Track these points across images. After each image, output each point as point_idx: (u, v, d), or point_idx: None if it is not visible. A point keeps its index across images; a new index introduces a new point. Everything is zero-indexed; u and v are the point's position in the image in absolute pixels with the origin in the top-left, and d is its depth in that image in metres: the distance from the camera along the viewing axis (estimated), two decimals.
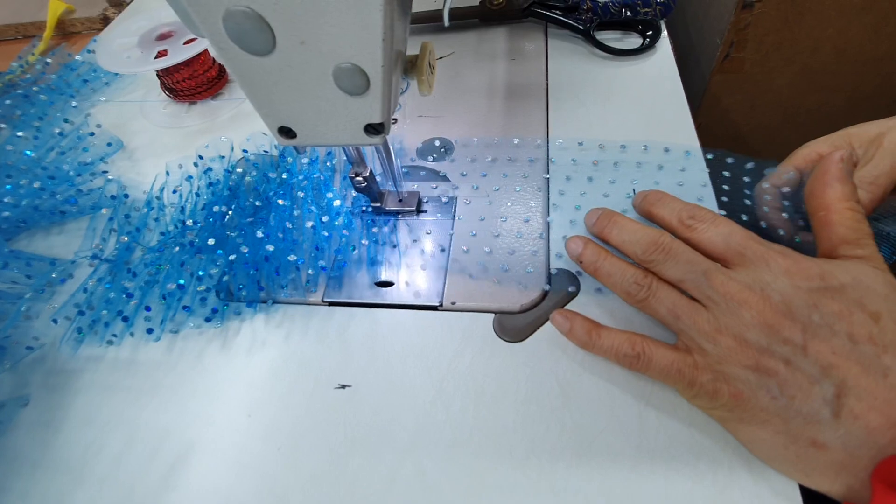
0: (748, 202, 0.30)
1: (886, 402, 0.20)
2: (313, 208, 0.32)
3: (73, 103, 0.43)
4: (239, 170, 0.36)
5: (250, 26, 0.20)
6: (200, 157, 0.37)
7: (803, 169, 0.31)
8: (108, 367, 0.29)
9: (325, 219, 0.31)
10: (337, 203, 0.32)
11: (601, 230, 0.28)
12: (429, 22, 0.48)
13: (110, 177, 0.38)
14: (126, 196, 0.37)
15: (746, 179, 0.30)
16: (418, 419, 0.26)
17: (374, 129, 0.25)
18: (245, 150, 0.37)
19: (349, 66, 0.22)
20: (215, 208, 0.34)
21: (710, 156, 0.32)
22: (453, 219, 0.33)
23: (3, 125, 0.40)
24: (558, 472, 0.23)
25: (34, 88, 0.44)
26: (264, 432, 0.26)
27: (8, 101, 0.41)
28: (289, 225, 0.31)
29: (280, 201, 0.32)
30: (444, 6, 0.23)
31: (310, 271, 0.31)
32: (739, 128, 0.55)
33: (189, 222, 0.33)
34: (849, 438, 0.20)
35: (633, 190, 0.33)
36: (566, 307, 0.28)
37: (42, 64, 0.47)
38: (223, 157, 0.37)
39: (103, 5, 0.58)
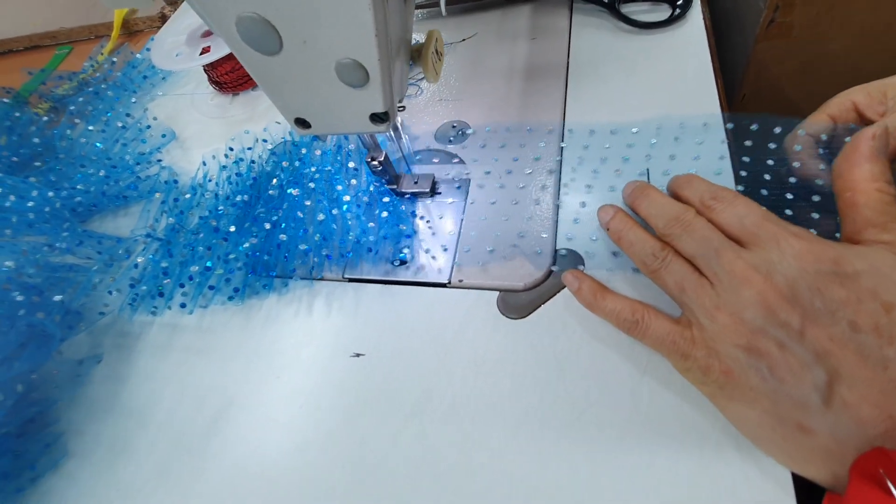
0: (770, 168, 0.29)
1: (883, 394, 0.19)
2: (324, 202, 0.34)
3: (133, 99, 0.48)
4: (262, 157, 0.39)
5: (259, 29, 0.22)
6: (231, 149, 0.41)
7: (838, 118, 0.29)
8: (164, 332, 0.34)
9: (334, 211, 0.34)
10: (347, 199, 0.34)
11: (633, 200, 0.29)
12: (452, 4, 0.48)
13: (164, 165, 0.42)
14: (176, 182, 0.41)
15: (772, 146, 0.29)
16: (423, 386, 0.28)
17: (379, 118, 0.27)
18: (265, 141, 0.40)
19: (349, 62, 0.23)
20: (238, 197, 0.37)
21: (730, 125, 0.31)
22: (465, 200, 0.35)
23: (78, 120, 0.46)
24: (547, 439, 0.25)
25: (102, 86, 0.49)
26: (290, 392, 0.30)
27: (81, 99, 0.47)
28: (300, 214, 0.34)
29: (294, 191, 0.35)
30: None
31: (314, 259, 0.33)
32: (790, 98, 0.52)
33: (221, 208, 0.37)
34: (838, 426, 0.20)
35: (647, 170, 0.32)
36: None
37: (109, 63, 0.53)
38: (250, 148, 0.41)
39: (161, 4, 0.63)
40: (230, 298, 0.34)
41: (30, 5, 0.75)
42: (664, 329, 0.24)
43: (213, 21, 0.23)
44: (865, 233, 0.22)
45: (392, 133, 0.31)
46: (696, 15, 0.41)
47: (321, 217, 0.35)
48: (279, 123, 0.43)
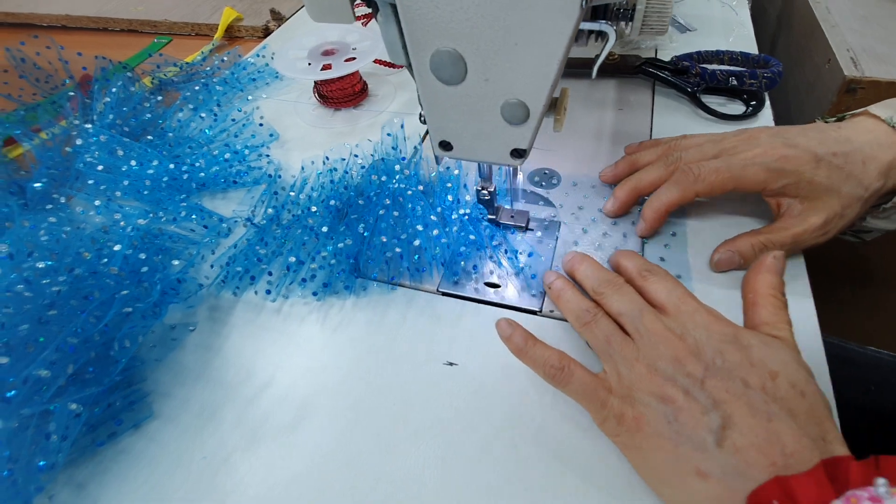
0: None
1: (767, 442, 0.22)
2: (418, 216, 0.37)
3: (250, 97, 0.51)
4: (352, 170, 0.42)
5: (450, 62, 0.26)
6: (327, 158, 0.44)
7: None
8: (254, 312, 0.36)
9: (428, 229, 0.37)
10: (434, 218, 0.37)
11: (571, 266, 0.33)
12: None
13: (271, 159, 0.45)
14: (280, 176, 0.44)
15: None
16: (513, 402, 0.30)
17: (518, 153, 0.30)
18: (356, 156, 0.44)
19: (516, 101, 0.27)
20: (332, 202, 0.40)
21: None
22: (556, 240, 0.38)
23: (192, 105, 0.49)
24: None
25: (214, 79, 0.53)
26: (381, 389, 0.31)
27: (196, 87, 0.50)
28: (392, 222, 0.37)
29: (387, 200, 0.38)
30: (595, 64, 0.28)
31: (407, 269, 0.36)
32: None
33: (313, 209, 0.40)
34: (728, 469, 0.22)
35: None
36: None
37: (219, 60, 0.57)
38: (344, 159, 0.44)
39: (267, 18, 0.69)
40: (314, 294, 0.36)
41: None
42: (586, 379, 0.27)
43: (412, 49, 0.26)
44: (761, 328, 0.26)
45: (513, 169, 0.34)
46: (766, 114, 0.46)
47: (420, 227, 0.37)
48: (370, 140, 0.47)
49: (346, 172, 0.44)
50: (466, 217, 0.37)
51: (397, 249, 0.36)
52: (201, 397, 0.32)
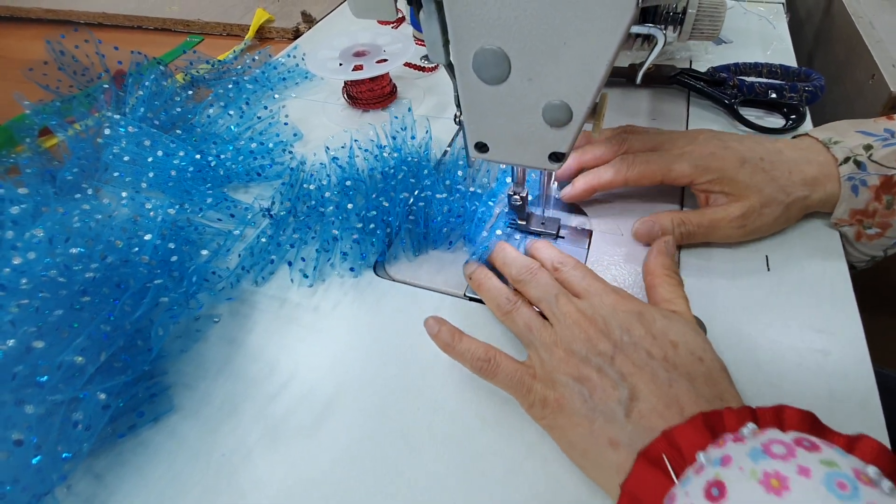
0: None
1: (667, 406, 0.23)
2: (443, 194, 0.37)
3: (276, 95, 0.52)
4: (359, 155, 0.43)
5: (494, 61, 0.25)
6: (328, 148, 0.44)
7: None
8: (280, 305, 0.35)
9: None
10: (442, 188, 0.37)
11: (493, 255, 0.34)
12: None
13: (294, 155, 0.45)
14: (302, 170, 0.44)
15: None
16: None
17: (556, 157, 0.29)
18: (356, 140, 0.44)
19: (559, 103, 0.26)
20: (347, 182, 0.40)
21: None
22: (587, 249, 0.37)
23: (222, 102, 0.49)
24: None
25: (245, 77, 0.54)
26: (406, 392, 0.30)
27: (230, 85, 0.51)
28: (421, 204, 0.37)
29: (404, 167, 0.38)
30: (641, 69, 0.28)
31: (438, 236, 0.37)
32: None
33: (326, 194, 0.39)
34: (634, 437, 0.23)
35: (766, 256, 0.35)
36: None
37: (250, 59, 0.58)
38: (343, 146, 0.44)
39: (297, 20, 0.69)
40: (352, 269, 0.36)
41: None
42: (512, 368, 0.28)
43: (455, 46, 0.26)
44: (661, 304, 0.29)
45: (546, 174, 0.34)
46: (807, 128, 0.44)
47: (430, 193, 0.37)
48: (371, 124, 0.46)
49: (351, 158, 0.43)
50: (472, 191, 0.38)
51: (421, 204, 0.37)
52: (223, 391, 0.31)
